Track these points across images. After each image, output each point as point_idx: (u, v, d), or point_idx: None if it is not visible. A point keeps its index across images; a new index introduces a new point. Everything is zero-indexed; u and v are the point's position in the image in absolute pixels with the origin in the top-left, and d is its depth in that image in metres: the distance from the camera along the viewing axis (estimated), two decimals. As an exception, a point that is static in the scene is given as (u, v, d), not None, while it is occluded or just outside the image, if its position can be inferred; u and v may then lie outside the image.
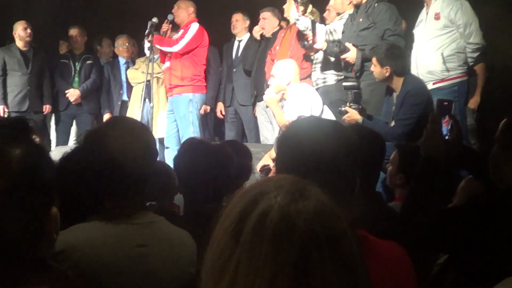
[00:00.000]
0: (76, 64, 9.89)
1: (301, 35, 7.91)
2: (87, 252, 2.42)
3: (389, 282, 2.05)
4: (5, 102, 9.51)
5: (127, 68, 10.05)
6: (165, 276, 2.60)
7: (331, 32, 7.60)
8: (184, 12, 8.82)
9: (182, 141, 8.05)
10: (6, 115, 9.35)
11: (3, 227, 1.51)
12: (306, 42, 7.55)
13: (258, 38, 9.01)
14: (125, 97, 10.05)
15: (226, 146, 3.99)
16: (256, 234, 1.34)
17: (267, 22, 8.98)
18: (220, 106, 9.72)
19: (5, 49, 9.75)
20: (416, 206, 3.03)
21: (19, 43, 9.66)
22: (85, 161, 2.61)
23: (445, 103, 3.33)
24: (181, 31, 8.84)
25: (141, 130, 2.69)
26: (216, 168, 3.44)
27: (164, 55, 8.98)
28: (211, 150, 3.60)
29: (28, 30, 9.62)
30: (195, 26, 8.81)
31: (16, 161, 1.55)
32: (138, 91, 9.50)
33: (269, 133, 8.66)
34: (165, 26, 8.84)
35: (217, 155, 3.54)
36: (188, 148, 3.74)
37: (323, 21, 8.19)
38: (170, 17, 8.79)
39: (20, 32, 9.60)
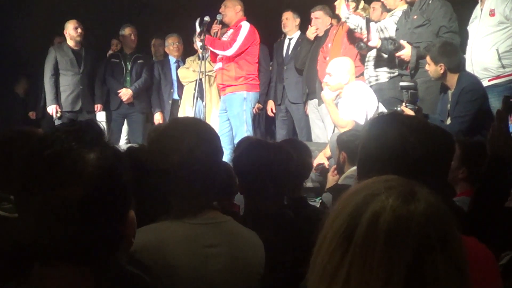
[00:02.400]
0: (127, 63, 9.90)
1: (352, 33, 7.88)
2: (158, 253, 2.43)
3: (477, 279, 2.04)
4: (58, 102, 9.57)
5: (177, 67, 10.09)
6: (234, 276, 2.60)
7: (382, 30, 7.56)
8: (231, 11, 8.79)
9: (235, 140, 8.13)
10: (59, 115, 9.47)
11: (81, 232, 1.51)
12: (362, 44, 7.46)
13: (312, 39, 8.95)
14: (175, 96, 10.08)
15: (285, 145, 3.99)
16: (369, 235, 1.35)
17: (320, 21, 8.94)
18: (270, 104, 9.73)
19: (57, 49, 9.82)
20: (484, 204, 3.01)
21: (70, 42, 9.71)
22: (151, 162, 2.62)
23: None
24: (231, 30, 8.83)
25: (207, 130, 2.71)
26: (276, 167, 3.42)
27: (214, 55, 8.94)
28: (271, 149, 3.58)
29: (79, 30, 9.66)
30: (246, 26, 8.77)
31: (92, 165, 1.53)
32: (189, 90, 9.57)
33: (320, 131, 8.63)
34: (216, 27, 8.84)
35: (277, 154, 3.52)
36: (248, 147, 3.73)
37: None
38: (219, 17, 8.76)
39: (71, 31, 9.66)
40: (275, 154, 3.53)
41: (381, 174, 1.55)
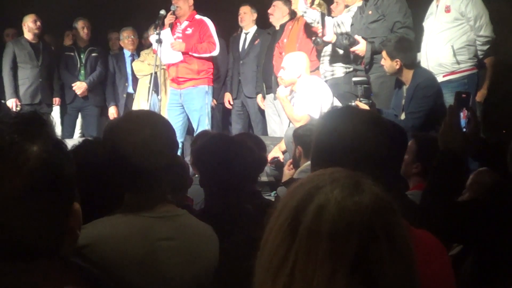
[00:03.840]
0: (82, 56, 9.86)
1: (309, 28, 7.90)
2: (111, 246, 2.41)
3: (429, 270, 2.06)
4: (17, 95, 9.50)
5: (132, 60, 10.06)
6: (188, 270, 2.59)
7: (338, 25, 7.62)
8: (185, 4, 8.78)
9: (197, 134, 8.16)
10: (18, 108, 9.37)
11: (24, 226, 1.48)
12: (318, 39, 7.50)
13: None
14: (130, 90, 10.08)
15: (246, 139, 3.99)
16: (314, 228, 1.35)
17: (277, 9, 9.01)
18: (228, 96, 9.74)
19: (14, 42, 9.74)
20: (434, 198, 3.03)
21: (28, 36, 9.62)
22: (104, 155, 2.59)
23: (463, 96, 3.31)
24: (185, 23, 8.80)
25: (162, 123, 2.69)
26: (238, 161, 3.43)
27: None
28: (232, 143, 3.59)
29: (38, 23, 9.60)
30: (209, 21, 8.85)
31: (34, 157, 1.48)
32: (144, 84, 9.56)
33: (277, 126, 8.66)
34: (171, 17, 8.80)
35: (239, 148, 3.53)
36: (209, 141, 3.72)
37: (329, 13, 8.19)
38: (173, 8, 8.74)
39: (30, 24, 9.58)
40: (237, 148, 3.54)
41: (334, 167, 1.55)
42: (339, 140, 2.21)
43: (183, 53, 8.62)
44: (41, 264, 1.52)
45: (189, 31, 8.78)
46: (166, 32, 8.59)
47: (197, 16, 8.86)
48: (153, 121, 2.63)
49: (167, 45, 8.49)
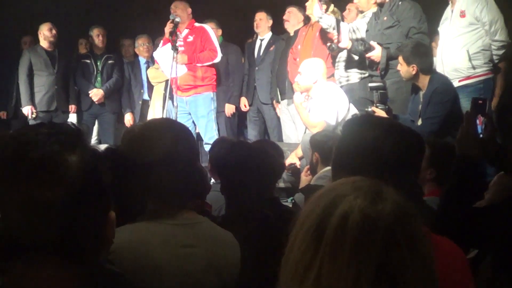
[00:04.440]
0: (98, 64, 9.89)
1: (324, 34, 7.90)
2: (134, 253, 2.42)
3: (449, 277, 2.07)
4: (33, 103, 9.56)
5: (147, 67, 10.07)
6: (210, 277, 2.59)
7: (354, 31, 7.61)
8: (184, 13, 8.84)
9: (206, 139, 8.27)
10: (34, 115, 9.45)
11: (65, 235, 1.51)
12: (334, 46, 7.51)
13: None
14: (146, 97, 10.09)
15: (265, 145, 4.00)
16: (338, 236, 1.38)
17: (292, 15, 9.03)
18: (244, 101, 9.72)
19: (31, 50, 9.83)
20: (452, 204, 3.04)
21: (44, 44, 9.71)
22: (127, 163, 2.61)
23: (480, 102, 3.32)
24: (186, 30, 8.86)
25: (183, 130, 2.71)
26: (258, 167, 3.45)
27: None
28: (254, 150, 3.61)
29: (53, 31, 9.68)
30: (209, 29, 8.96)
31: (74, 168, 1.53)
32: (159, 91, 9.58)
33: (292, 132, 8.66)
34: (171, 26, 8.84)
35: (260, 155, 3.55)
36: (230, 148, 3.74)
37: (342, 20, 8.17)
38: (172, 17, 8.78)
39: (46, 32, 9.66)
40: (257, 155, 3.56)
41: (354, 175, 1.58)
42: (359, 148, 2.24)
43: (186, 64, 8.68)
44: (78, 271, 1.55)
45: (190, 38, 8.85)
46: (166, 47, 8.64)
47: (196, 24, 8.96)
48: (174, 129, 2.65)
49: (169, 60, 8.49)
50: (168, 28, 8.69)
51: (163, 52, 8.74)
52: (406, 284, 1.36)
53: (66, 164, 1.52)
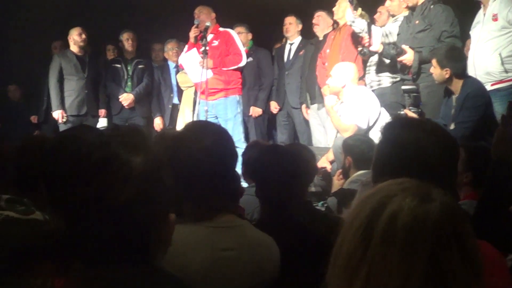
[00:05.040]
0: (129, 68, 9.92)
1: (355, 39, 7.89)
2: (174, 255, 2.40)
3: (490, 282, 2.05)
4: (63, 107, 9.59)
5: (177, 71, 10.08)
6: (250, 280, 2.60)
7: (386, 35, 7.60)
8: (209, 18, 8.85)
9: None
10: (64, 120, 9.50)
11: (128, 235, 1.53)
12: (365, 50, 7.49)
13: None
14: (175, 101, 10.11)
15: (300, 149, 4.00)
16: (388, 236, 1.39)
17: (321, 19, 9.05)
18: (273, 104, 9.73)
19: (61, 55, 9.87)
20: (489, 208, 3.03)
21: (74, 48, 9.74)
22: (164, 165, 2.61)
23: None
24: (211, 35, 8.83)
25: (222, 133, 2.72)
26: (294, 172, 3.44)
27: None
28: (290, 153, 3.61)
29: (83, 36, 9.71)
30: (234, 33, 9.00)
31: (138, 169, 1.55)
32: (188, 95, 9.60)
33: (321, 136, 8.65)
34: (196, 31, 8.86)
35: (295, 159, 3.55)
36: (266, 152, 3.74)
37: (373, 23, 8.15)
38: (197, 21, 8.81)
39: (76, 37, 9.70)
40: (292, 159, 3.56)
41: (395, 177, 1.58)
42: (401, 150, 2.23)
43: (212, 69, 8.69)
44: (135, 270, 1.56)
45: (215, 43, 8.85)
46: (192, 52, 8.69)
47: (221, 28, 8.98)
48: (214, 131, 2.67)
49: (195, 64, 8.54)
50: (193, 33, 8.75)
51: (188, 57, 8.78)
52: (455, 283, 1.36)
53: (130, 165, 1.55)
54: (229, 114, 8.80)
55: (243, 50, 8.87)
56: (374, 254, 1.38)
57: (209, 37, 8.79)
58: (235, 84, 8.88)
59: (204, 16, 8.81)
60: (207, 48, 8.34)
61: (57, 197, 2.15)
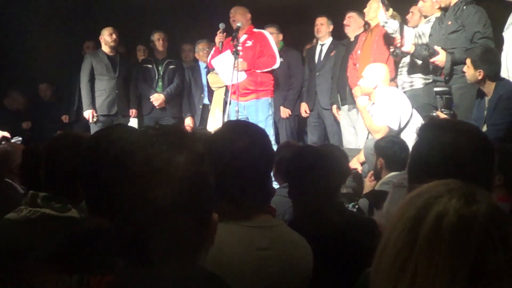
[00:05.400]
0: (160, 68, 9.96)
1: (387, 40, 7.86)
2: (215, 254, 2.42)
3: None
4: (94, 106, 9.63)
5: (207, 72, 10.07)
6: (285, 279, 2.59)
7: (419, 36, 7.56)
8: (244, 18, 8.87)
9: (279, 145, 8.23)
10: (95, 119, 9.55)
11: (171, 235, 1.52)
12: (398, 51, 7.46)
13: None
14: (206, 101, 10.12)
15: (333, 150, 3.99)
16: (433, 236, 1.39)
17: (353, 20, 9.04)
18: (304, 107, 9.69)
19: (92, 55, 9.92)
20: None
21: (105, 48, 9.78)
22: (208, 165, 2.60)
23: None
24: (244, 36, 8.87)
25: (259, 133, 2.71)
26: (328, 172, 3.44)
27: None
28: (323, 155, 3.60)
29: (114, 36, 9.73)
30: (268, 34, 8.96)
31: (182, 168, 1.54)
32: (219, 95, 9.60)
33: (352, 137, 8.64)
34: (221, 36, 8.87)
35: (329, 159, 3.55)
36: (300, 151, 3.74)
37: (405, 23, 8.12)
38: (222, 26, 8.82)
39: (107, 37, 9.73)
40: (326, 159, 3.55)
41: (432, 178, 1.58)
42: (438, 152, 2.22)
43: (246, 71, 8.69)
44: (178, 270, 1.56)
45: (249, 43, 8.85)
46: (226, 54, 8.66)
47: (255, 29, 8.98)
48: (251, 131, 2.66)
49: (228, 66, 8.51)
50: (218, 38, 8.77)
51: (221, 58, 8.76)
52: (501, 284, 1.36)
53: (174, 164, 1.54)
54: (260, 116, 8.77)
55: (277, 52, 8.86)
56: (419, 255, 1.39)
57: (243, 37, 8.84)
58: (267, 86, 8.88)
59: (240, 16, 8.84)
60: (239, 48, 8.35)
61: (99, 197, 2.16)
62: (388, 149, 5.26)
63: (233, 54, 8.35)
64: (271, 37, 8.95)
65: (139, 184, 1.51)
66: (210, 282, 1.72)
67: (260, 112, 8.81)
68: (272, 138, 8.60)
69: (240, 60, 8.47)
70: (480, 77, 6.21)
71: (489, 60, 6.25)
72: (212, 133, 2.70)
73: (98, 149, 2.31)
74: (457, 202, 1.42)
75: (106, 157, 2.04)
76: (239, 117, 8.45)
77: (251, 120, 8.55)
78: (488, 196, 1.46)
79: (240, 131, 2.62)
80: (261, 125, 8.14)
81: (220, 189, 2.53)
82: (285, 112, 9.62)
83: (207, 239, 1.67)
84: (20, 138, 6.21)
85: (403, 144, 5.36)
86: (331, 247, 3.15)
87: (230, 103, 8.45)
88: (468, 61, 6.35)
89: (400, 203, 1.52)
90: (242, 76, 8.59)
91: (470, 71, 6.30)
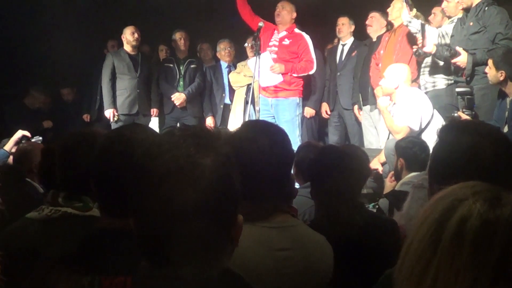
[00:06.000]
0: (181, 68, 9.97)
1: (411, 40, 7.84)
2: (234, 255, 2.44)
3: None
4: (115, 105, 9.65)
5: (229, 71, 10.10)
6: (304, 280, 2.59)
7: (443, 36, 7.52)
8: (288, 15, 8.84)
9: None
10: (116, 119, 9.57)
11: (197, 237, 1.53)
12: (420, 51, 7.44)
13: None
14: (227, 101, 10.11)
15: (355, 150, 3.99)
16: (456, 239, 1.38)
17: (375, 20, 9.03)
18: (325, 107, 9.68)
19: (114, 54, 9.94)
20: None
21: (127, 47, 9.79)
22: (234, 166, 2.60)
23: None
24: (283, 33, 8.82)
25: (279, 132, 2.71)
26: (350, 173, 3.45)
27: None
28: (346, 154, 3.61)
29: (136, 35, 9.74)
30: (308, 38, 8.85)
31: (209, 170, 1.54)
32: (240, 95, 9.59)
33: (373, 138, 8.62)
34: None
35: (351, 160, 3.55)
36: (322, 151, 3.74)
37: (428, 24, 8.10)
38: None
39: (128, 36, 9.74)
40: (349, 160, 3.55)
41: (453, 180, 1.57)
42: (459, 153, 2.21)
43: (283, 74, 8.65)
44: (203, 271, 1.57)
45: (287, 41, 8.79)
46: (265, 55, 8.60)
47: (297, 30, 8.88)
48: (271, 131, 2.67)
49: (266, 68, 8.48)
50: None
51: (260, 60, 8.58)
52: None
53: (201, 167, 1.53)
54: (286, 116, 8.70)
55: (315, 57, 8.77)
56: (441, 258, 1.38)
57: (282, 33, 8.83)
58: (296, 86, 8.81)
59: (285, 13, 8.82)
60: (271, 44, 8.43)
61: (113, 197, 2.17)
62: (409, 150, 5.26)
63: (254, 54, 8.35)
64: (311, 41, 8.83)
65: (164, 186, 1.50)
66: (232, 284, 1.73)
67: (286, 112, 8.73)
68: (298, 139, 8.54)
69: (276, 65, 8.51)
70: (501, 78, 6.19)
71: (511, 61, 6.23)
72: (231, 133, 2.69)
73: (113, 149, 2.30)
74: (481, 205, 1.40)
75: (122, 157, 2.05)
76: (264, 116, 8.49)
77: (277, 119, 8.61)
78: None
79: (259, 131, 2.62)
80: (287, 125, 8.17)
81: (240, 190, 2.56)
82: (310, 112, 9.58)
83: (231, 241, 1.67)
84: (41, 138, 6.21)
85: (423, 145, 5.36)
86: (351, 247, 3.15)
87: (253, 103, 8.44)
88: (490, 62, 6.33)
89: (426, 204, 1.51)
90: (278, 78, 8.60)
91: (492, 72, 6.28)
